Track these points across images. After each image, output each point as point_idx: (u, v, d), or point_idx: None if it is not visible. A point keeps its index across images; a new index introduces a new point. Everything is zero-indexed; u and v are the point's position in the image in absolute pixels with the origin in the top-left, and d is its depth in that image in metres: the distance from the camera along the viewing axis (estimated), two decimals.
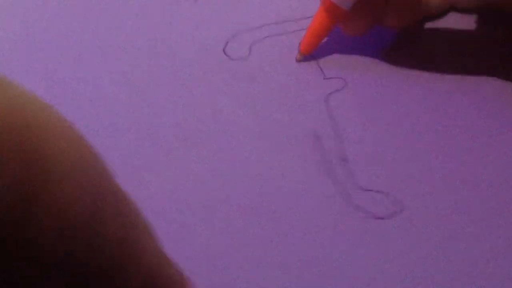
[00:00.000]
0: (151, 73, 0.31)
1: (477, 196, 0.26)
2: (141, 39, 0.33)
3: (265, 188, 0.26)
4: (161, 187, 0.26)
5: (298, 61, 0.32)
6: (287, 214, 0.25)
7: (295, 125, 0.29)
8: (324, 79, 0.31)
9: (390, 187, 0.26)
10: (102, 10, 0.35)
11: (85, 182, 0.12)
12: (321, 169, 0.27)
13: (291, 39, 0.34)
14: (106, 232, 0.12)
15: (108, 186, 0.13)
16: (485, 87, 0.30)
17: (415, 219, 0.25)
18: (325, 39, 0.33)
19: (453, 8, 0.34)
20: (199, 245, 0.24)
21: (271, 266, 0.23)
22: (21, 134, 0.10)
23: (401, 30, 0.32)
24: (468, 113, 0.29)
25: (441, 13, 0.34)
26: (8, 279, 0.10)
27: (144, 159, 0.27)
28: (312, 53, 0.32)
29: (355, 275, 0.23)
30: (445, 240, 0.24)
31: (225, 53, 0.33)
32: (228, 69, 0.32)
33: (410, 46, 0.33)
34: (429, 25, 0.34)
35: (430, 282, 0.23)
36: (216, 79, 0.31)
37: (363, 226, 0.25)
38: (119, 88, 0.30)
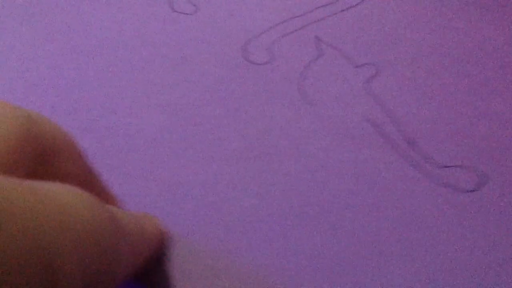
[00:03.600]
0: (183, 97, 0.29)
1: None
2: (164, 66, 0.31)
3: (347, 187, 0.25)
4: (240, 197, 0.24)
5: None
6: (379, 207, 0.24)
7: (349, 118, 0.28)
8: (355, 67, 0.31)
9: (467, 160, 0.26)
10: (119, 29, 0.32)
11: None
12: (393, 154, 0.26)
13: (304, 34, 0.33)
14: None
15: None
16: None
17: (503, 186, 0.25)
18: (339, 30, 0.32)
19: None
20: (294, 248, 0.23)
21: (376, 255, 0.22)
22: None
23: None
24: None
25: None
26: None
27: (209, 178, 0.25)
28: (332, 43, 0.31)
29: (457, 252, 0.23)
30: None
31: (247, 60, 0.31)
32: (258, 75, 0.31)
33: None
34: None
35: None
36: (253, 88, 0.30)
37: (455, 202, 0.25)
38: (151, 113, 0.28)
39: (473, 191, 0.25)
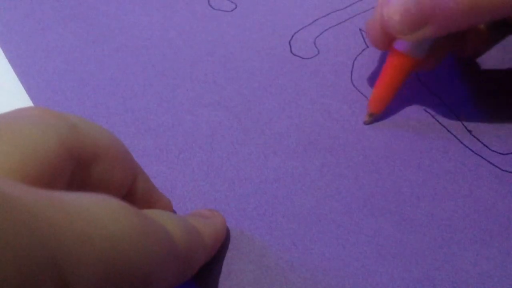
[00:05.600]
0: (236, 94, 0.29)
1: None
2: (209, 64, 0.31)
3: (413, 177, 0.25)
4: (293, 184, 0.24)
5: (367, 123, 0.27)
6: (446, 195, 0.24)
7: (406, 109, 0.28)
8: None
9: None
10: (164, 29, 0.32)
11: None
12: (455, 143, 0.26)
13: (347, 27, 0.33)
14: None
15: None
16: None
17: None
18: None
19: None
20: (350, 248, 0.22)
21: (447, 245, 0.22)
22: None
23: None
24: None
25: None
26: None
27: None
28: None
29: None
30: None
31: (294, 54, 0.31)
32: (307, 69, 0.30)
33: None
34: None
35: None
36: (304, 82, 0.29)
37: None
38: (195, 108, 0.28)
39: None
